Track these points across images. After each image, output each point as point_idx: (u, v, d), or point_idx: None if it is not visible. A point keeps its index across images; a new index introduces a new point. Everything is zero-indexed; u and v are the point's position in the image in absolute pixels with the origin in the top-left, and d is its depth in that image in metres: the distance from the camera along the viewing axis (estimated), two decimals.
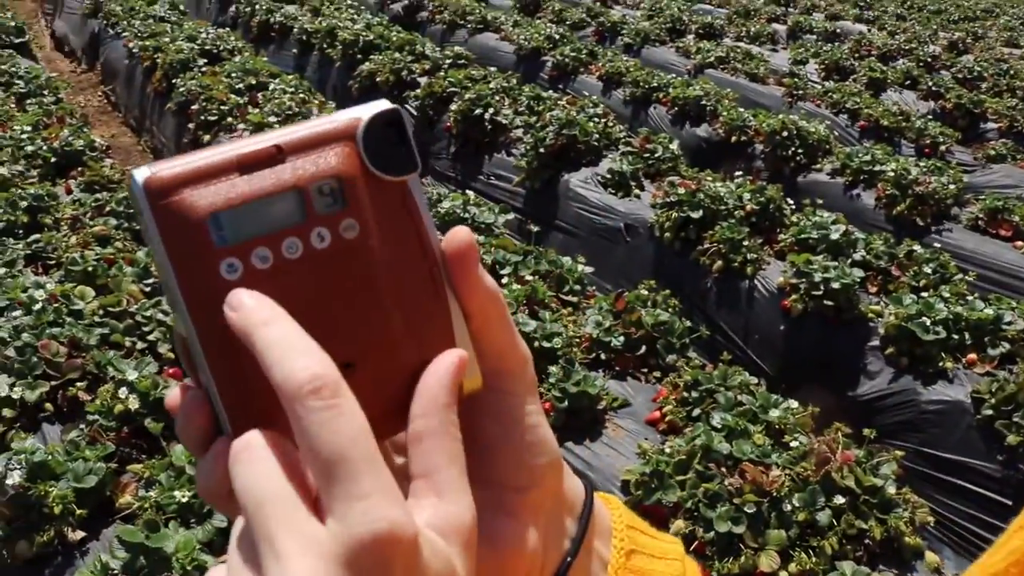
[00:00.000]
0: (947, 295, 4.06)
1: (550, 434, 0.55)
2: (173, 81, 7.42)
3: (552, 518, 0.56)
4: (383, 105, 0.52)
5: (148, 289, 3.92)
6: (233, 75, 7.22)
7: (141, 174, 0.47)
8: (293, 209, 0.48)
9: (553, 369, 3.37)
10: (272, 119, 6.22)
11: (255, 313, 0.45)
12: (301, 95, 6.86)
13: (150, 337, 3.52)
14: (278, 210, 0.48)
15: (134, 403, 2.92)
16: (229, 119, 6.53)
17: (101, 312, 3.57)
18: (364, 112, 0.51)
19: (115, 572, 2.24)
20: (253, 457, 0.44)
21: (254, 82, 7.16)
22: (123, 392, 2.96)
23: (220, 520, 2.56)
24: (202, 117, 6.69)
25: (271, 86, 7.01)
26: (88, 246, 4.26)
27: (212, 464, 0.47)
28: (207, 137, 6.59)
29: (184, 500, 2.54)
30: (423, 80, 7.34)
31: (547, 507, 0.55)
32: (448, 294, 0.52)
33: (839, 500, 2.78)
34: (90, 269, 3.85)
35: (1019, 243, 5.04)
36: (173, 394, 0.51)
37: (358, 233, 0.49)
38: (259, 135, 0.49)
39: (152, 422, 2.91)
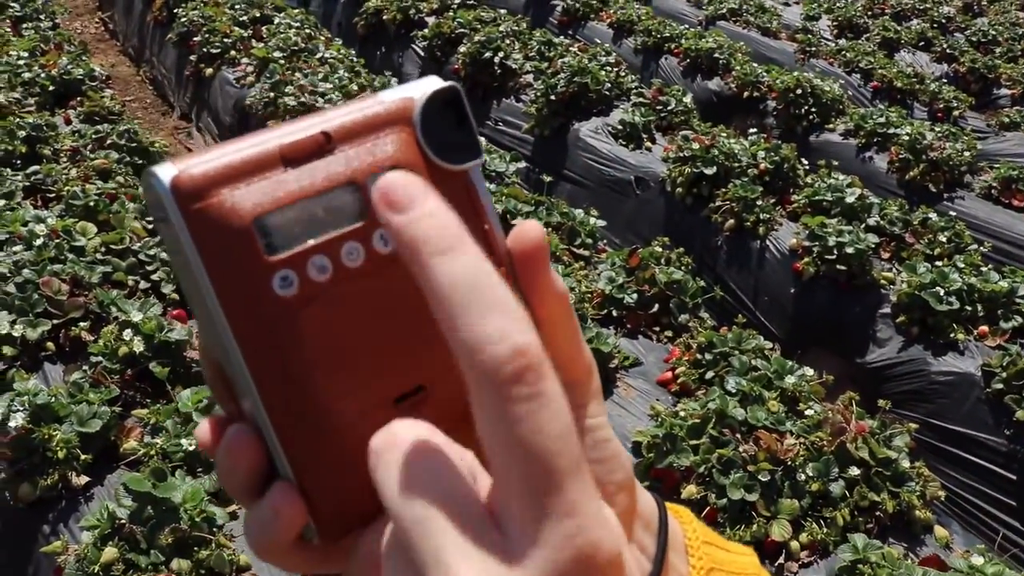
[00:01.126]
0: (961, 265, 4.01)
1: (621, 448, 0.49)
2: (174, 10, 7.23)
3: (631, 536, 0.51)
4: (439, 83, 0.44)
5: (151, 227, 3.83)
6: (237, 7, 7.04)
7: (166, 172, 0.39)
8: (351, 207, 0.41)
9: None
10: (277, 54, 6.07)
11: (436, 233, 0.34)
12: (307, 30, 6.70)
13: (154, 277, 3.44)
14: (334, 209, 0.41)
15: (139, 345, 2.85)
16: (232, 52, 6.37)
17: (103, 249, 3.49)
18: (418, 91, 0.44)
19: (122, 520, 2.19)
20: (405, 457, 0.35)
21: (258, 15, 6.99)
22: (127, 334, 2.89)
23: None
24: (204, 49, 6.53)
25: (276, 20, 6.84)
26: (89, 180, 4.15)
27: (270, 516, 0.40)
28: (209, 70, 6.44)
29: (191, 448, 2.49)
30: (431, 20, 7.17)
31: (627, 526, 0.50)
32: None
33: (853, 471, 2.76)
34: (91, 204, 3.76)
35: None
36: (203, 429, 0.43)
37: None
38: (301, 120, 0.42)
39: (157, 366, 2.85)
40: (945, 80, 7.45)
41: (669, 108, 5.56)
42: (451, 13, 7.10)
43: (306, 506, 0.41)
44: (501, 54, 6.26)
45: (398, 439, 0.36)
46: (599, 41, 7.22)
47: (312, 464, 0.40)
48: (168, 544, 2.17)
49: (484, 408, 0.34)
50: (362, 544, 0.42)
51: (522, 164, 4.88)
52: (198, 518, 2.24)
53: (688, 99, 5.66)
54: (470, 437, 0.39)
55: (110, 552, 2.11)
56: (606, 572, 0.33)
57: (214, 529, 2.26)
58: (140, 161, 4.76)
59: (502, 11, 7.42)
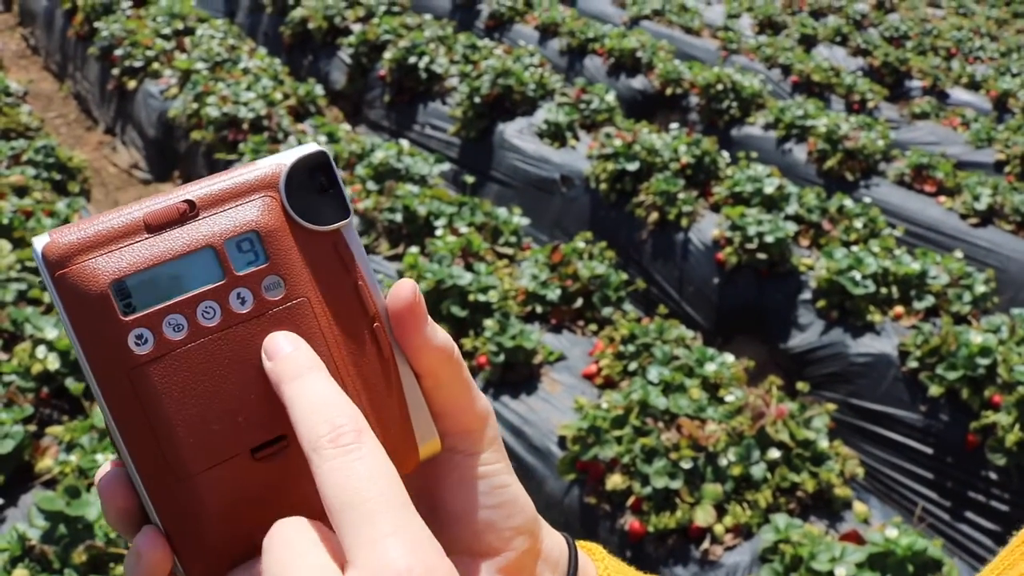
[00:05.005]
0: (876, 249, 4.12)
1: (520, 492, 0.52)
2: (95, 25, 7.10)
3: None
4: (308, 149, 0.47)
5: None
6: (159, 19, 6.95)
7: (40, 242, 0.43)
8: (208, 269, 0.44)
9: (489, 323, 3.34)
10: (200, 65, 6.00)
11: (288, 365, 0.43)
12: (231, 41, 6.63)
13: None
14: (191, 272, 0.44)
15: (54, 363, 2.81)
16: (155, 65, 6.29)
17: (18, 267, 3.42)
18: (288, 158, 0.47)
19: (32, 543, 2.15)
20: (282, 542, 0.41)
21: (181, 27, 6.90)
22: (41, 351, 2.84)
23: None
24: (126, 63, 6.43)
25: (199, 31, 6.76)
26: (3, 197, 4.07)
27: (135, 557, 0.43)
28: (132, 84, 6.34)
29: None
30: (357, 27, 7.15)
31: (527, 569, 0.52)
32: (396, 352, 0.48)
33: (773, 454, 2.82)
34: (5, 221, 3.68)
35: (942, 199, 5.14)
36: (103, 469, 0.45)
37: (285, 291, 0.45)
38: (174, 190, 0.45)
39: (73, 382, 2.81)
40: (861, 73, 7.65)
41: (592, 106, 5.62)
42: (376, 20, 7.09)
43: (171, 550, 0.43)
44: (426, 59, 6.27)
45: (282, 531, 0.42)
46: (524, 43, 7.27)
47: (176, 511, 0.43)
48: (83, 562, 2.14)
49: (314, 473, 0.40)
50: None
51: (446, 166, 4.90)
52: (113, 534, 2.21)
53: (611, 97, 5.73)
54: None
55: (20, 574, 2.07)
56: None
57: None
58: (59, 177, 4.68)
59: (427, 16, 7.43)
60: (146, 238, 0.44)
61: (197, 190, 0.45)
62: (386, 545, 0.37)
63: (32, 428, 2.65)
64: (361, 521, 0.38)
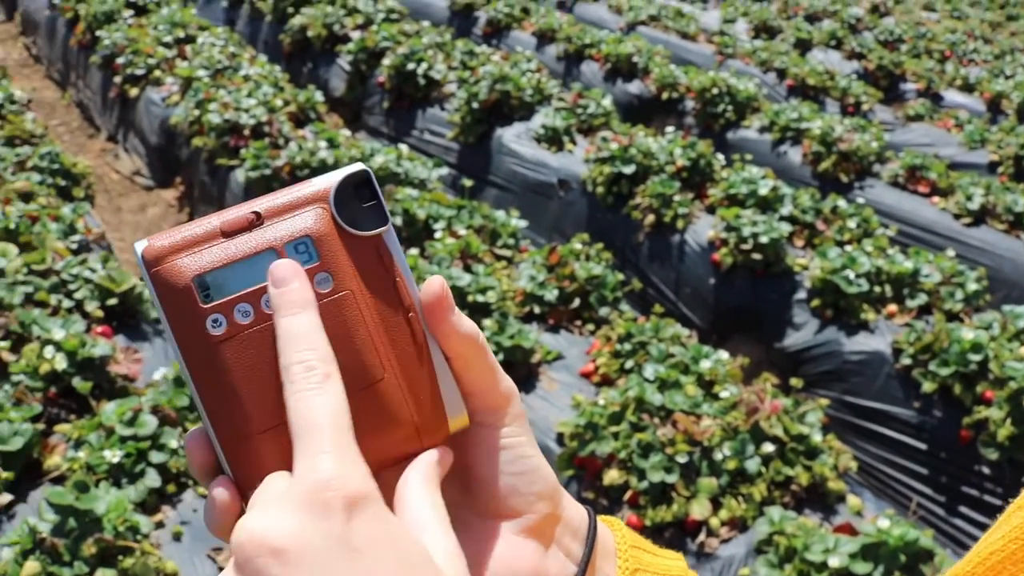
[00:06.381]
0: (869, 249, 4.18)
1: (543, 463, 0.58)
2: (97, 33, 7.17)
3: (556, 542, 0.58)
4: (354, 168, 0.56)
5: (74, 246, 3.83)
6: (160, 27, 7.01)
7: (140, 245, 0.53)
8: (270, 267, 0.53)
9: (487, 323, 3.40)
10: (201, 72, 6.07)
11: (288, 297, 0.51)
12: (231, 49, 6.69)
13: (76, 295, 3.44)
14: (257, 269, 0.53)
15: (61, 362, 2.86)
16: (157, 72, 6.35)
17: (25, 270, 3.47)
18: (337, 176, 0.56)
19: (43, 535, 2.20)
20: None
21: (182, 35, 6.96)
22: (49, 351, 2.89)
23: (153, 480, 2.54)
24: (128, 71, 6.49)
25: (200, 39, 6.82)
26: (9, 202, 4.12)
27: (210, 503, 0.52)
28: (134, 91, 6.40)
29: (115, 460, 2.51)
30: (356, 34, 7.22)
31: (548, 532, 0.58)
32: (429, 338, 0.56)
33: (768, 448, 2.87)
34: (12, 226, 3.74)
35: (936, 199, 5.20)
36: (191, 431, 0.55)
37: (332, 285, 0.54)
38: (244, 203, 0.55)
39: (80, 381, 2.86)
40: (855, 76, 7.72)
41: (589, 111, 5.68)
42: (375, 27, 7.15)
43: (240, 496, 0.52)
44: (425, 65, 6.33)
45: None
46: (521, 49, 7.34)
47: (242, 463, 0.52)
48: (92, 555, 2.19)
49: (285, 395, 0.49)
50: None
51: (445, 170, 4.96)
52: (122, 527, 2.26)
53: (607, 101, 5.79)
54: (375, 444, 0.53)
55: (31, 566, 2.12)
56: (346, 502, 0.45)
57: (139, 537, 2.28)
58: (64, 183, 4.74)
59: (426, 23, 7.50)
60: (222, 242, 0.53)
61: (264, 203, 0.55)
62: (320, 459, 0.46)
63: (40, 426, 2.70)
64: (306, 440, 0.47)
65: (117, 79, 6.61)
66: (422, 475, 0.52)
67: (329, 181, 0.56)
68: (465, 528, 0.56)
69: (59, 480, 2.59)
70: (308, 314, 0.51)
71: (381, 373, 0.54)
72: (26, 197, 4.24)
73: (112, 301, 3.40)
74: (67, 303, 3.39)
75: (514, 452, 0.57)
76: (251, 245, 0.53)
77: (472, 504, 0.57)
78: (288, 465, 0.50)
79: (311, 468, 0.45)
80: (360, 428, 0.52)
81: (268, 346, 0.52)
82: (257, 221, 0.54)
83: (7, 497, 2.53)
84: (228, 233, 0.54)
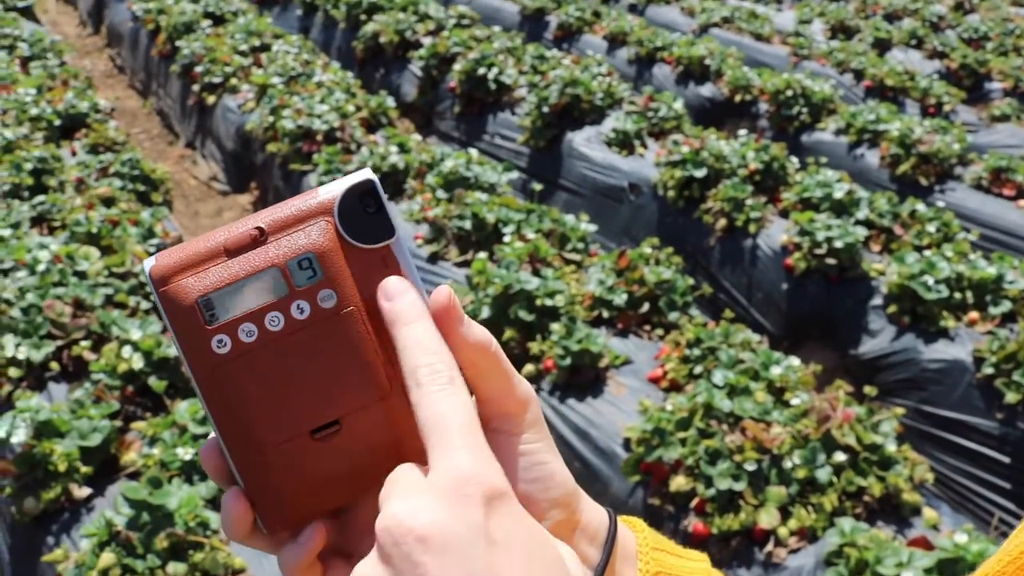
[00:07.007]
0: (949, 254, 4.05)
1: (560, 468, 0.58)
2: (177, 43, 7.38)
3: (573, 548, 0.58)
4: (358, 177, 0.56)
5: (152, 249, 3.94)
6: (237, 36, 7.18)
7: (149, 264, 0.54)
8: (274, 285, 0.54)
9: (555, 327, 3.39)
10: (276, 80, 6.19)
11: (403, 311, 0.53)
12: (305, 56, 6.82)
13: (153, 297, 3.53)
14: (260, 288, 0.53)
15: (138, 362, 2.94)
16: (233, 80, 6.51)
17: (106, 272, 3.59)
18: (340, 186, 0.56)
19: (119, 528, 2.27)
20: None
21: (258, 43, 7.13)
22: (127, 351, 2.98)
23: None
24: (206, 79, 6.67)
25: (275, 47, 6.97)
26: (92, 207, 4.26)
27: (224, 511, 0.54)
28: (211, 99, 6.57)
29: (187, 458, 2.57)
30: (427, 40, 7.29)
31: (564, 539, 0.57)
32: None
33: (839, 457, 2.80)
34: (94, 230, 3.86)
35: (1022, 203, 5.02)
36: (207, 440, 0.57)
37: (336, 301, 0.54)
38: (250, 217, 0.55)
39: (156, 380, 2.94)
40: (937, 76, 7.50)
41: (660, 114, 5.63)
42: (446, 33, 7.21)
43: (251, 506, 0.54)
44: (495, 70, 6.36)
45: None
46: (591, 53, 7.31)
47: (253, 476, 0.54)
48: (163, 549, 2.24)
49: (412, 395, 0.51)
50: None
51: (515, 174, 4.96)
52: (193, 523, 2.31)
53: (679, 104, 5.73)
54: (383, 458, 0.55)
55: (107, 558, 2.19)
56: (486, 497, 0.47)
57: (208, 533, 2.33)
58: (143, 188, 4.88)
59: (496, 28, 7.53)
60: (225, 261, 0.54)
61: (267, 217, 0.55)
62: (459, 455, 0.48)
63: (118, 423, 2.79)
64: (442, 438, 0.49)
65: (195, 87, 6.79)
66: None
67: (334, 192, 0.55)
68: None
69: (135, 476, 2.66)
70: (424, 322, 0.53)
71: (387, 388, 0.54)
72: (108, 202, 4.38)
73: None
74: (145, 305, 3.49)
75: (530, 459, 0.57)
76: (254, 263, 0.54)
77: None
78: (297, 477, 0.53)
79: (450, 463, 0.47)
80: (368, 443, 0.54)
81: (273, 364, 0.53)
82: (261, 237, 0.54)
83: (86, 491, 2.62)
84: (232, 251, 0.54)
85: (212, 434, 0.55)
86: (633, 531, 0.62)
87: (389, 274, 0.55)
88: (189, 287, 0.53)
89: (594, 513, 0.60)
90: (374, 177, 0.56)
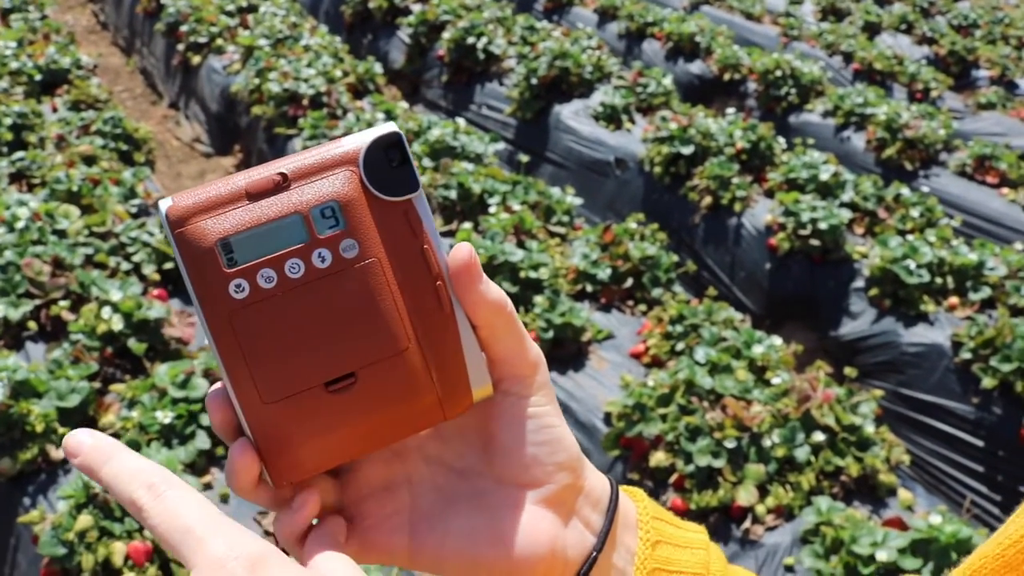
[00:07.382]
0: (932, 239, 4.07)
1: (566, 433, 0.58)
2: (162, 1, 7.26)
3: (575, 513, 0.58)
4: (385, 129, 0.54)
5: (134, 210, 3.89)
6: None
7: (165, 204, 0.52)
8: (296, 232, 0.52)
9: (539, 299, 3.38)
10: (263, 41, 6.11)
11: (93, 458, 0.51)
12: (292, 19, 6.74)
13: (135, 258, 3.50)
14: (282, 233, 0.52)
15: (118, 323, 2.91)
16: (219, 41, 6.42)
17: (86, 232, 3.54)
18: (367, 137, 0.54)
19: (96, 491, 2.25)
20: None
21: (244, 4, 7.03)
22: (106, 312, 2.95)
23: (203, 442, 2.58)
24: (191, 39, 6.57)
25: (262, 8, 6.87)
26: (73, 165, 4.20)
27: (230, 464, 0.53)
28: (196, 59, 6.48)
29: (166, 421, 2.55)
30: (416, 7, 7.21)
31: (568, 503, 0.57)
32: (456, 307, 0.55)
33: (818, 437, 2.82)
34: (75, 188, 3.81)
35: (1005, 190, 5.05)
36: (213, 387, 0.55)
37: (358, 252, 0.52)
38: (272, 163, 0.53)
39: (135, 342, 2.91)
40: (925, 62, 7.51)
41: (649, 90, 5.61)
42: (436, 0, 7.14)
43: (259, 458, 0.52)
44: (484, 39, 6.30)
45: None
46: (583, 26, 7.26)
47: (263, 427, 0.52)
48: None
49: (137, 517, 0.49)
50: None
51: (501, 145, 4.94)
52: None
53: (667, 81, 5.71)
54: (406, 424, 0.54)
55: (84, 520, 2.17)
56: (249, 564, 0.46)
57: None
58: (126, 147, 4.82)
59: None
60: (247, 204, 0.52)
61: (290, 164, 0.53)
62: (209, 545, 0.46)
63: (96, 385, 2.76)
64: (186, 538, 0.47)
65: (180, 47, 6.69)
66: (323, 543, 0.53)
67: (359, 142, 0.54)
68: (483, 496, 0.57)
69: (113, 438, 2.64)
70: (116, 455, 0.51)
71: (406, 343, 0.53)
72: (89, 160, 4.32)
73: (168, 265, 3.45)
74: (125, 265, 3.45)
75: (539, 422, 0.57)
76: (277, 209, 0.52)
77: (492, 472, 0.57)
78: (308, 429, 0.52)
79: (204, 556, 0.46)
80: (383, 398, 0.53)
81: (291, 312, 0.51)
82: (284, 183, 0.53)
83: (63, 452, 2.59)
84: (253, 195, 0.52)
85: (219, 384, 0.53)
86: (633, 500, 0.63)
87: (411, 228, 0.54)
88: (208, 229, 0.51)
89: (597, 480, 0.60)
90: (399, 131, 0.55)
